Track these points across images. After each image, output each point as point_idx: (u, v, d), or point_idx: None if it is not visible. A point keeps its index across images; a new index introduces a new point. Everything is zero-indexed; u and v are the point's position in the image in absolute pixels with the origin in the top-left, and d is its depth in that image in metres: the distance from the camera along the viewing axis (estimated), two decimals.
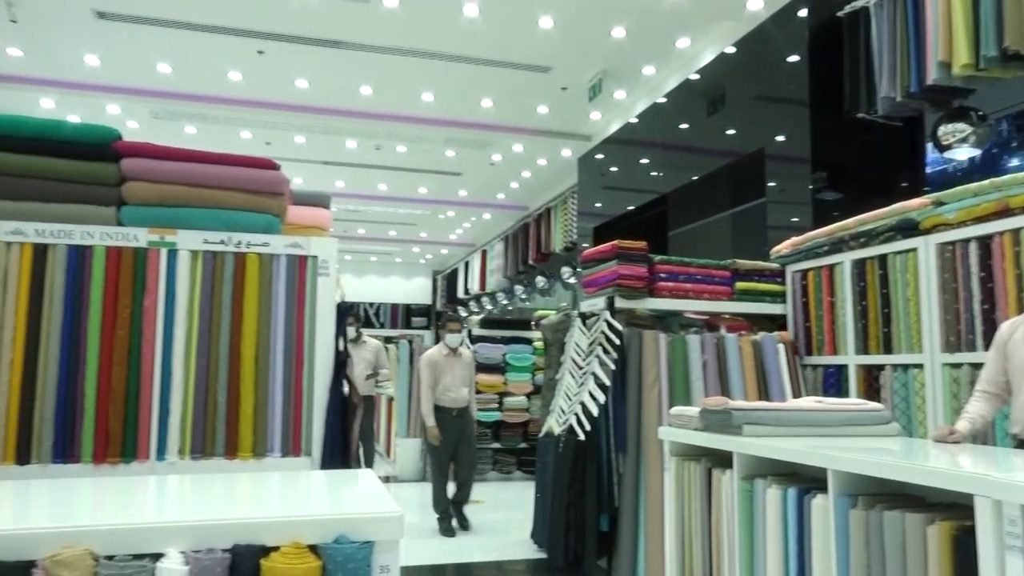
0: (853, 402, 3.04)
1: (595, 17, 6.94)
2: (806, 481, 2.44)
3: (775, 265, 5.04)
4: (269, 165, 3.12)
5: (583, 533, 4.40)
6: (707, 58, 7.23)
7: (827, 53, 5.43)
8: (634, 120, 8.68)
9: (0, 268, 2.76)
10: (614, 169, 9.43)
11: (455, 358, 6.20)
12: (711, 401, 2.91)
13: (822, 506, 2.27)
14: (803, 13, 5.87)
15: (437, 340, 20.09)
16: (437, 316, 20.63)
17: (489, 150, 10.75)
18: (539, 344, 8.63)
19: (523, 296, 13.26)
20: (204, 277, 2.96)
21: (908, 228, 3.97)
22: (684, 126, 7.77)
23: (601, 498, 4.37)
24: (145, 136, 3.13)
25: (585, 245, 9.41)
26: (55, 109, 8.96)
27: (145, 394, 2.84)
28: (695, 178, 7.60)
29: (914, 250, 3.93)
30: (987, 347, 3.02)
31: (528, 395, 8.85)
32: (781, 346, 4.66)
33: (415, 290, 21.02)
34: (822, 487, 2.26)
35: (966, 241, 3.65)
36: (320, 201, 3.48)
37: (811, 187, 5.58)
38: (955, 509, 1.93)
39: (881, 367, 4.11)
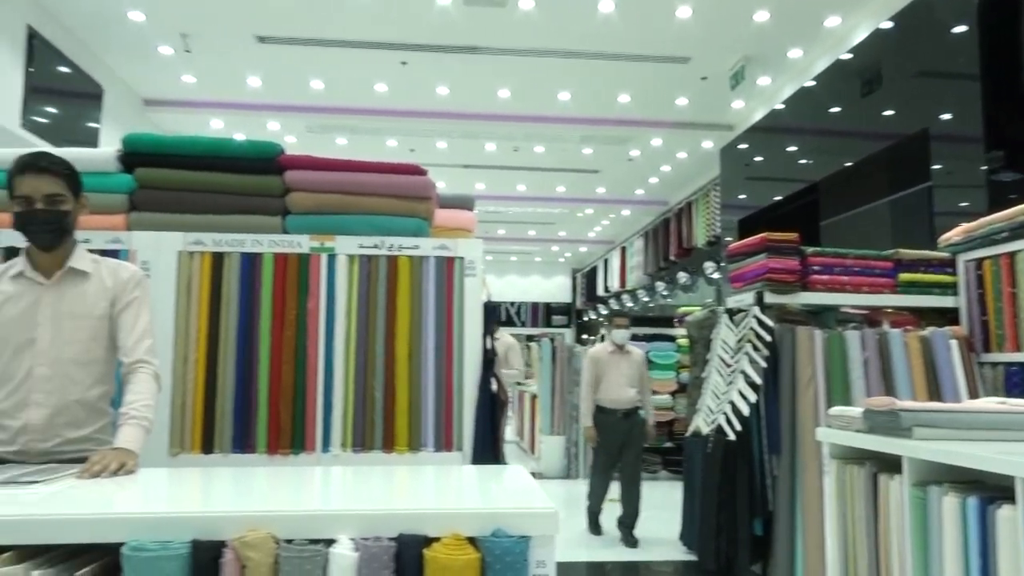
0: None
1: (735, 2, 6.70)
2: (988, 490, 2.23)
3: (944, 254, 4.64)
4: (417, 171, 3.25)
5: (735, 536, 4.26)
6: (860, 36, 6.79)
7: (1001, 20, 4.94)
8: (780, 106, 8.29)
9: (184, 276, 3.05)
10: (759, 159, 9.05)
11: (621, 356, 5.91)
12: (876, 401, 2.72)
13: (1010, 518, 2.06)
14: None
15: (578, 338, 20.15)
16: (577, 314, 20.67)
17: (627, 146, 10.64)
18: (683, 342, 8.44)
19: (664, 293, 13.02)
20: (360, 279, 3.13)
21: None
22: (835, 109, 7.33)
23: (754, 501, 4.20)
24: (301, 149, 3.35)
25: (729, 239, 9.11)
26: (223, 128, 9.78)
27: (311, 390, 3.04)
28: (849, 164, 7.15)
29: None
30: None
31: (672, 393, 8.68)
32: (954, 342, 4.28)
33: (555, 289, 21.16)
34: (1008, 497, 2.06)
35: None
36: (465, 203, 3.58)
37: (985, 168, 5.09)
38: None
39: None
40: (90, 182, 2.35)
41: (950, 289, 4.58)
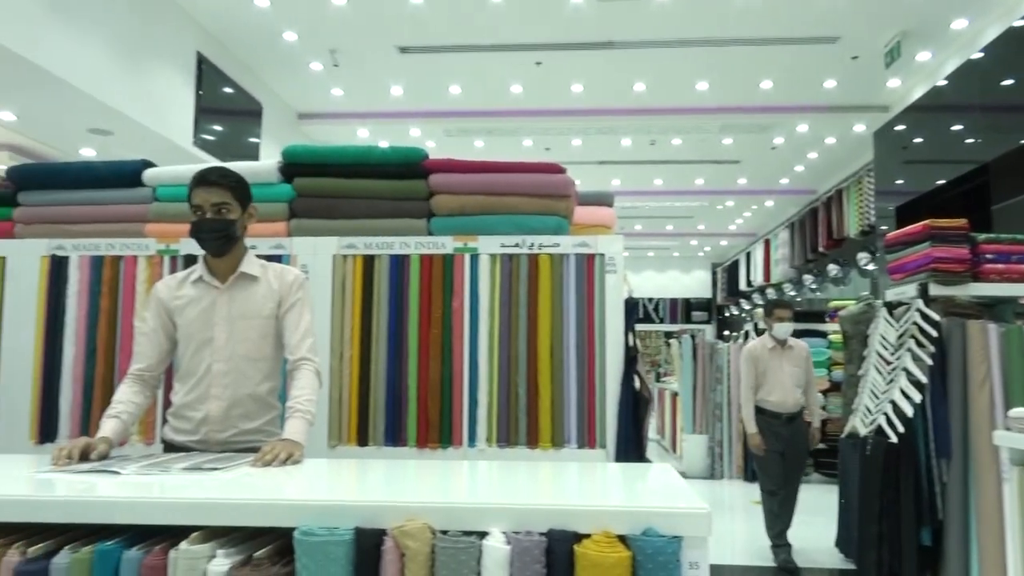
0: None
1: None
2: None
3: None
4: (556, 169, 3.27)
5: (899, 546, 3.97)
6: None
7: None
8: (942, 82, 7.65)
9: (339, 277, 3.23)
10: (919, 140, 8.39)
11: (783, 352, 5.24)
12: None
13: None
14: None
15: (719, 334, 19.50)
16: (718, 310, 20.04)
17: (770, 134, 10.19)
18: (834, 337, 7.98)
19: (813, 286, 12.36)
20: (502, 278, 3.19)
21: None
22: (1008, 82, 6.66)
23: (920, 509, 3.90)
24: (440, 153, 3.46)
25: (885, 228, 8.51)
26: (369, 137, 10.27)
27: (457, 386, 3.13)
28: None
29: None
30: None
31: (824, 392, 8.22)
32: None
33: (694, 284, 20.64)
34: None
35: None
36: (604, 200, 3.56)
37: None
38: None
39: None
40: (256, 193, 2.54)
41: None
